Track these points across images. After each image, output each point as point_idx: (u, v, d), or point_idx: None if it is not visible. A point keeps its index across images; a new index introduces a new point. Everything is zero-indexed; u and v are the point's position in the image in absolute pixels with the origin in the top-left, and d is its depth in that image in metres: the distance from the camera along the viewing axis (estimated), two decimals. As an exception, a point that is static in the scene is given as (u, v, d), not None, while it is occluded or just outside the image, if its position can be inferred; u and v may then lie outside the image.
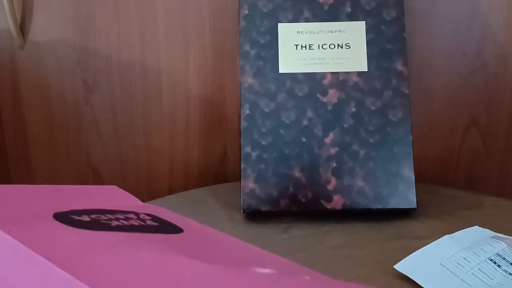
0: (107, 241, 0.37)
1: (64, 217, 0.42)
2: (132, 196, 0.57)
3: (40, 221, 0.40)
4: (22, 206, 0.44)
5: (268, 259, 0.39)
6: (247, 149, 0.67)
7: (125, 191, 0.59)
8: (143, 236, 0.40)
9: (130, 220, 0.45)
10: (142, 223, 0.45)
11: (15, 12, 0.80)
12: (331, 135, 0.67)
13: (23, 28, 0.82)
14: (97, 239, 0.38)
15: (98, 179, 0.87)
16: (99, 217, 0.44)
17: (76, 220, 0.42)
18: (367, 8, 0.69)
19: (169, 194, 0.82)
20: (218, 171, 0.86)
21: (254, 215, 0.68)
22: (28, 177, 0.88)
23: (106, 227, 0.41)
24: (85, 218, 0.43)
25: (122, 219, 0.45)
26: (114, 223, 0.43)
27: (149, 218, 0.48)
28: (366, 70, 0.68)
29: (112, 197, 0.55)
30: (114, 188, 0.57)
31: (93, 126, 0.85)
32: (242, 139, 0.68)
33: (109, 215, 0.45)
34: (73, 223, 0.41)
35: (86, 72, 0.83)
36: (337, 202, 0.66)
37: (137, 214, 0.48)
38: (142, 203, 0.56)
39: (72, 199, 0.50)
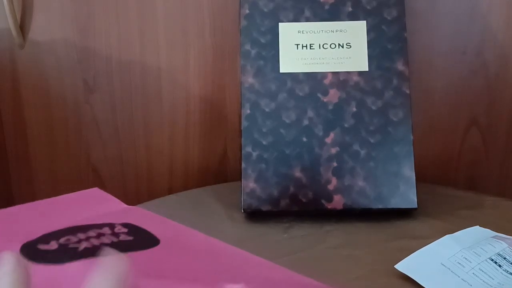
0: (68, 278, 0.38)
1: (30, 250, 0.42)
2: (115, 199, 0.56)
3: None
4: None
5: (248, 272, 0.39)
6: (248, 149, 0.67)
7: (107, 194, 0.58)
8: None
9: (102, 238, 0.44)
10: (115, 239, 0.44)
11: (15, 11, 0.80)
12: (331, 135, 0.67)
13: (23, 27, 0.82)
14: (58, 277, 0.39)
15: (98, 179, 0.87)
16: (69, 240, 0.44)
17: (43, 251, 0.42)
18: (368, 7, 0.69)
19: (169, 194, 0.82)
20: (218, 171, 0.86)
21: (254, 215, 0.68)
22: (28, 177, 0.88)
23: (73, 254, 0.41)
24: (53, 245, 0.43)
25: (94, 237, 0.45)
26: (83, 245, 0.43)
27: (125, 230, 0.47)
28: (367, 69, 0.68)
29: (92, 204, 0.54)
30: (95, 192, 0.56)
31: (93, 126, 0.85)
32: (242, 139, 0.68)
33: (80, 234, 0.45)
34: (39, 257, 0.41)
35: (86, 72, 0.83)
36: (338, 202, 0.66)
37: (112, 227, 0.48)
38: (125, 205, 0.55)
39: (47, 217, 0.50)
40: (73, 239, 0.44)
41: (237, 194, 0.73)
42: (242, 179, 0.67)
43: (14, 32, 0.81)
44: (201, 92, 0.82)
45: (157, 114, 0.83)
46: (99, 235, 0.45)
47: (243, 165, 0.67)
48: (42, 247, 0.42)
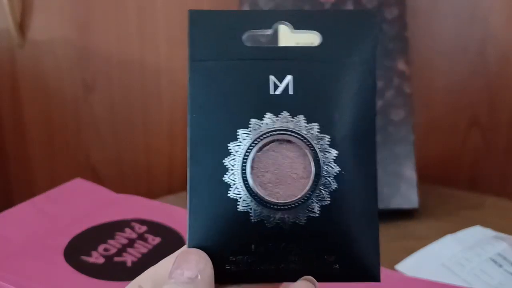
0: None
1: (76, 262, 0.42)
2: (102, 188, 0.56)
3: (54, 272, 0.40)
4: (20, 243, 0.44)
5: None
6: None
7: (91, 182, 0.58)
8: None
9: (136, 245, 0.45)
10: (148, 245, 0.45)
11: (15, 11, 0.80)
12: (332, 134, 0.67)
13: (22, 27, 0.82)
14: None
15: (97, 179, 0.86)
16: (108, 250, 0.44)
17: (90, 264, 0.42)
18: (369, 7, 0.69)
19: (169, 194, 0.81)
20: (218, 171, 0.85)
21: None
22: (27, 177, 0.88)
23: (123, 270, 0.41)
24: (98, 258, 0.42)
25: (127, 244, 0.45)
26: (128, 258, 0.43)
27: (145, 228, 0.47)
28: (367, 69, 0.68)
29: (85, 195, 0.54)
30: (79, 182, 0.57)
31: (92, 125, 0.84)
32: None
33: (112, 242, 0.45)
34: (90, 271, 0.41)
35: (85, 71, 0.82)
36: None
37: (130, 226, 0.48)
38: (115, 194, 0.55)
39: (54, 215, 0.50)
40: (112, 249, 0.43)
41: (237, 194, 0.73)
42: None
43: (13, 31, 0.80)
44: (201, 91, 0.82)
45: (157, 113, 0.83)
46: (131, 242, 0.45)
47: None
48: (87, 259, 0.42)
